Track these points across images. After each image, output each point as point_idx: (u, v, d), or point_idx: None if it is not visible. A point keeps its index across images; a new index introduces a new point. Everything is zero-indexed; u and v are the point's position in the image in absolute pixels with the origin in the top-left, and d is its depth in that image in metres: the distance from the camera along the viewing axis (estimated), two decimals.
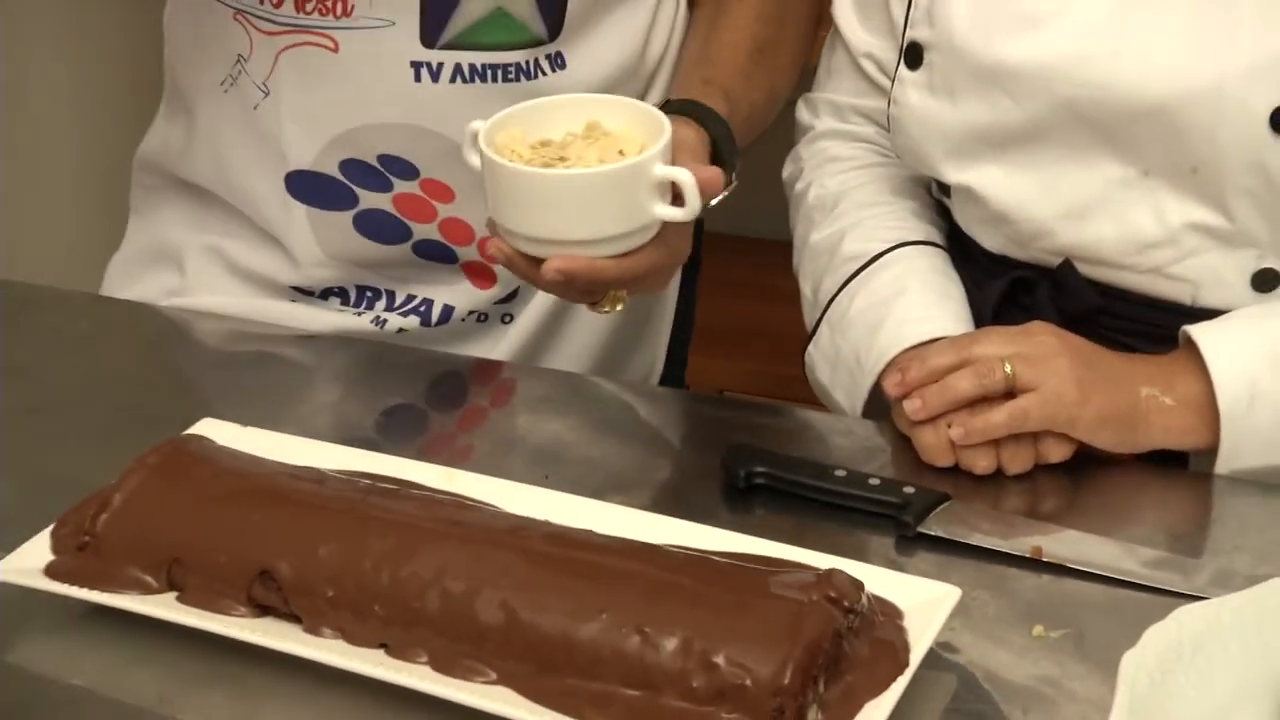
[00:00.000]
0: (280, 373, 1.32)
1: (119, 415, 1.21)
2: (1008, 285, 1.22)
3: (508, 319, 1.42)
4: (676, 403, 1.33)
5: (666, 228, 1.13)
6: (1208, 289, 1.14)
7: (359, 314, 1.40)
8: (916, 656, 0.87)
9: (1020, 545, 1.02)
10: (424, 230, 1.36)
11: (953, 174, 1.21)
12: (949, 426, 1.10)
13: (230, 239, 1.42)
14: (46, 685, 0.93)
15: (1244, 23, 1.08)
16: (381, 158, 1.33)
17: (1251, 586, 0.90)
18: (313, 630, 0.91)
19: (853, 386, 1.21)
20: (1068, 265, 1.19)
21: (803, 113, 1.39)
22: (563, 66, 1.32)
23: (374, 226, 1.36)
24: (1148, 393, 1.10)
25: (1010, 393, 1.10)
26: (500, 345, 1.41)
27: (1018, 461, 1.10)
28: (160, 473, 0.98)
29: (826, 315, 1.25)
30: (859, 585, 0.88)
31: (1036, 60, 1.13)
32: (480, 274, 1.39)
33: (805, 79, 1.41)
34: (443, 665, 0.88)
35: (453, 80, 1.29)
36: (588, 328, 1.44)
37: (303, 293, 1.41)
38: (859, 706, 0.84)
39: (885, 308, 1.20)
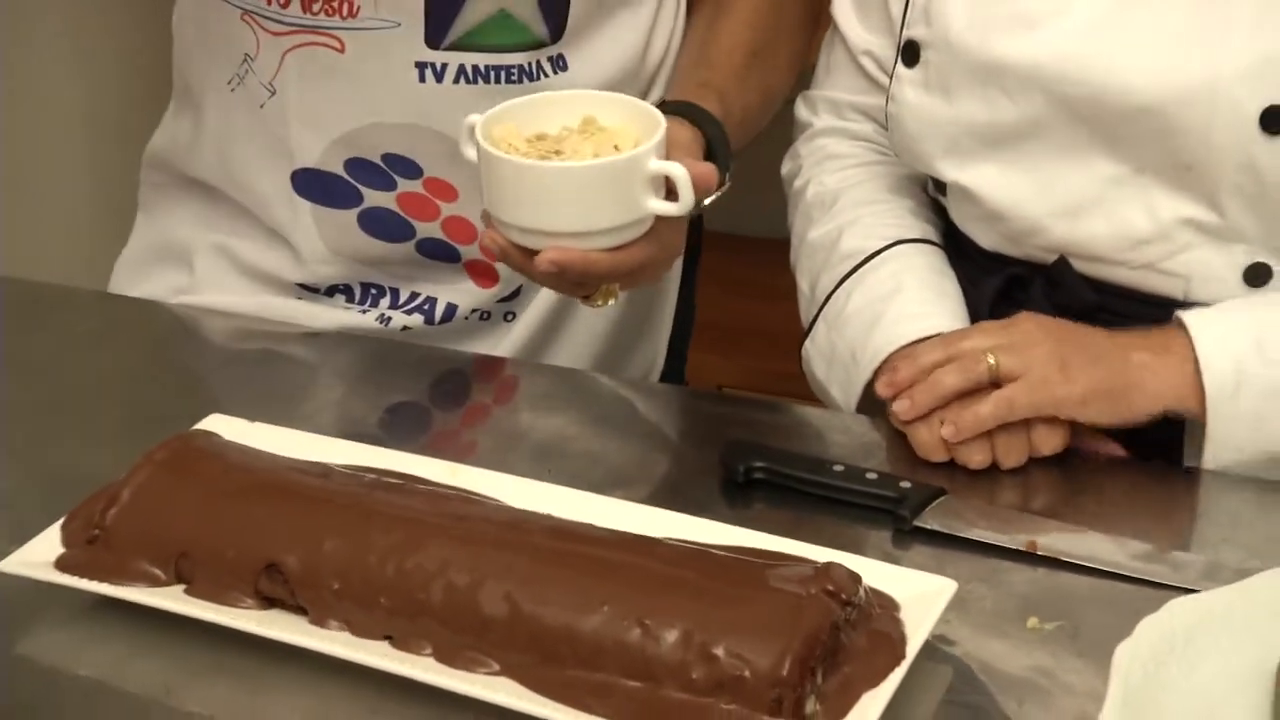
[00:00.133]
0: (286, 369, 1.32)
1: (127, 411, 1.21)
2: (1003, 282, 1.23)
3: (510, 317, 1.42)
4: (676, 399, 1.34)
5: (660, 223, 1.13)
6: (1200, 283, 1.15)
7: (364, 311, 1.41)
8: (913, 648, 0.87)
9: (1015, 539, 1.02)
10: (427, 229, 1.37)
11: (949, 172, 1.21)
12: (941, 424, 1.11)
13: (237, 237, 1.43)
14: (56, 676, 0.93)
15: (1237, 23, 1.08)
16: (386, 157, 1.34)
17: (1241, 580, 0.91)
18: (319, 622, 0.92)
19: (848, 382, 1.21)
20: (1062, 262, 1.19)
21: (801, 110, 1.39)
22: (564, 69, 1.32)
23: (378, 225, 1.37)
24: (1139, 359, 1.10)
25: (997, 384, 1.10)
26: (503, 343, 1.42)
27: (1012, 455, 1.11)
28: (168, 467, 0.99)
29: (823, 311, 1.26)
30: (856, 578, 0.89)
31: (1032, 59, 1.14)
32: (483, 273, 1.40)
33: (803, 79, 1.41)
34: (446, 656, 0.89)
35: (456, 81, 1.30)
36: (589, 325, 1.44)
37: (308, 290, 1.41)
38: (856, 697, 0.85)
39: (882, 305, 1.20)
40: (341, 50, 1.30)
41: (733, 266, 2.12)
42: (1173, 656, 0.86)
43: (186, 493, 0.97)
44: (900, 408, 1.12)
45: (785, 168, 1.39)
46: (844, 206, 1.30)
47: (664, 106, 1.20)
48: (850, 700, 0.85)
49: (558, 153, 1.12)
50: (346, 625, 0.91)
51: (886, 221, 1.27)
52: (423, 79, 1.30)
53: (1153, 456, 1.14)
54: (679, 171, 1.10)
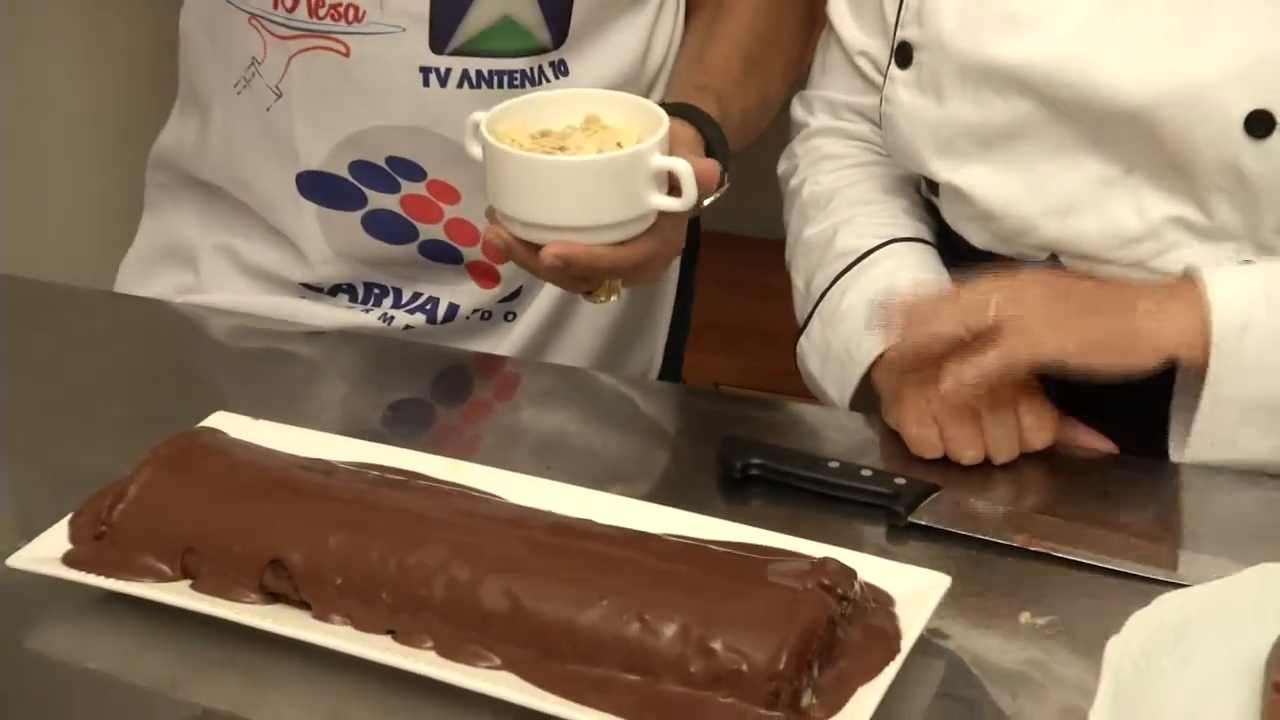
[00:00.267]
0: (290, 368, 1.32)
1: (133, 410, 1.22)
2: None
3: (511, 317, 1.43)
4: (674, 397, 1.34)
5: (662, 219, 1.14)
6: None
7: (367, 311, 1.41)
8: (908, 642, 0.88)
9: (1008, 534, 1.03)
10: (430, 231, 1.38)
11: (941, 172, 1.21)
12: (939, 424, 1.11)
13: (242, 237, 1.43)
14: (64, 670, 0.94)
15: (1223, 28, 1.09)
16: (390, 159, 1.34)
17: (1231, 575, 0.91)
18: (322, 617, 0.92)
19: (842, 378, 1.21)
20: (1053, 260, 1.19)
21: (797, 109, 1.39)
22: (566, 74, 1.33)
23: (382, 226, 1.38)
24: (1144, 308, 1.08)
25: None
26: (504, 342, 1.42)
27: (1004, 449, 1.11)
28: (174, 465, 0.99)
29: (818, 309, 1.26)
30: (852, 573, 0.89)
31: (1021, 61, 1.14)
32: (484, 274, 1.40)
33: (799, 79, 1.41)
34: (448, 651, 0.89)
35: (460, 85, 1.30)
36: (589, 324, 1.44)
37: (312, 290, 1.42)
38: (852, 691, 0.85)
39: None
40: (347, 55, 1.30)
41: (730, 266, 2.12)
42: (1163, 651, 0.86)
43: (192, 489, 0.98)
44: (900, 343, 1.11)
45: (781, 167, 1.39)
46: (839, 206, 1.30)
47: (663, 108, 1.21)
48: (846, 694, 0.85)
49: (562, 149, 1.12)
50: (349, 620, 0.92)
51: (881, 221, 1.27)
52: (427, 83, 1.30)
53: (1143, 453, 1.14)
54: (683, 167, 1.10)
